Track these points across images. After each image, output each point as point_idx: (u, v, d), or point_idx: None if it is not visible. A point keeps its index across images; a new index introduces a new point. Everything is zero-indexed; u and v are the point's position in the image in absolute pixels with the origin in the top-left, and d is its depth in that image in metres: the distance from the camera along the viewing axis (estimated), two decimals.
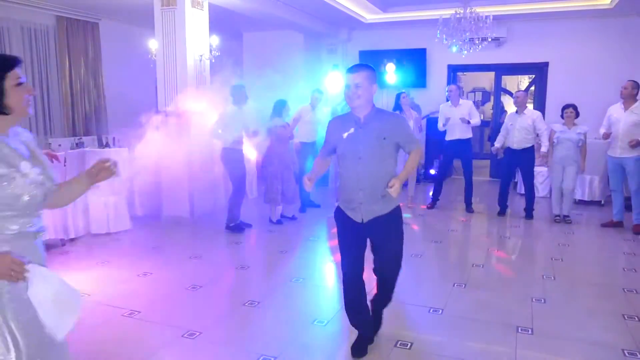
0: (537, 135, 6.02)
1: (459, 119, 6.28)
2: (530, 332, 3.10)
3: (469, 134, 6.43)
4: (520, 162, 6.12)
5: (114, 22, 7.91)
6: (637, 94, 5.38)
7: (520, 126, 5.98)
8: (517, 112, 6.11)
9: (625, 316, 3.34)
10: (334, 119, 2.85)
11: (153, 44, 6.38)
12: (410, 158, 2.69)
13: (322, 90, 6.66)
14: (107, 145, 6.63)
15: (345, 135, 2.61)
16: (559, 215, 5.97)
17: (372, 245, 2.78)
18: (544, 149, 5.91)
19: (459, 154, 6.57)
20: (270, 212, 5.88)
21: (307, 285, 3.96)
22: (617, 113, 5.47)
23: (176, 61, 5.69)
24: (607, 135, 5.54)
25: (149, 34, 6.54)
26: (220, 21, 7.15)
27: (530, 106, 7.07)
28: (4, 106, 1.56)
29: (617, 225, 5.66)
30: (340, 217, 2.75)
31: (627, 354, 2.83)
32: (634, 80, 5.45)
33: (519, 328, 3.14)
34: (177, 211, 5.91)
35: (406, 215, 6.47)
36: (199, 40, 5.82)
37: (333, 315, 3.36)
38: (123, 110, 7.53)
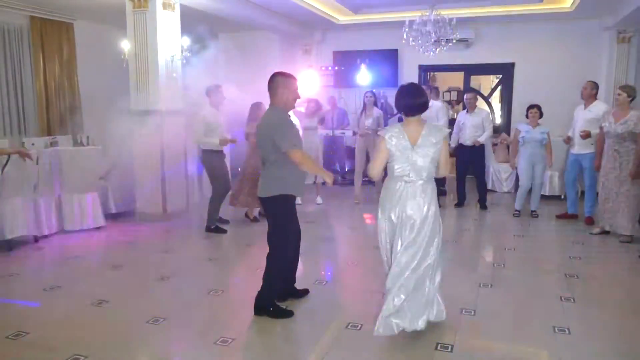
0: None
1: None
2: (472, 313, 3.35)
3: None
4: (472, 156, 6.50)
5: (88, 23, 7.99)
6: (596, 93, 5.70)
7: (471, 124, 6.43)
8: (467, 111, 6.52)
9: (562, 298, 3.62)
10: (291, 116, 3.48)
11: (125, 45, 6.49)
12: None
13: None
14: (81, 144, 6.74)
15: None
16: (518, 211, 6.25)
17: None
18: (481, 139, 6.48)
19: None
20: (247, 210, 6.03)
21: None
22: (579, 112, 5.79)
23: (148, 62, 5.82)
24: (568, 140, 5.85)
25: (123, 35, 6.65)
26: (195, 22, 7.29)
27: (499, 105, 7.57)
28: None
29: (572, 217, 6.00)
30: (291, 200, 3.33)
31: (556, 330, 3.09)
32: (592, 81, 5.78)
33: (463, 310, 3.39)
34: (151, 208, 6.05)
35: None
36: (170, 41, 5.96)
37: (293, 301, 3.56)
38: (98, 110, 7.61)
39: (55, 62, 7.55)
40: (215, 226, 5.52)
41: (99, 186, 5.88)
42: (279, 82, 3.20)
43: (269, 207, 3.31)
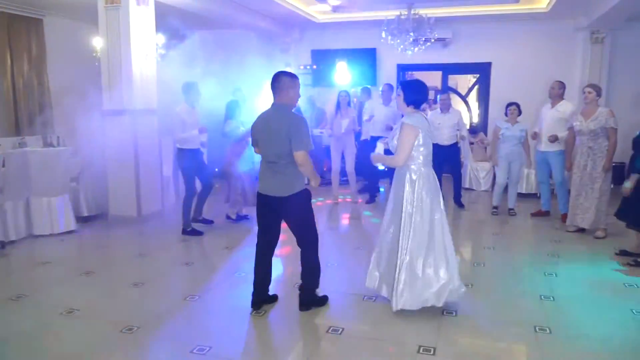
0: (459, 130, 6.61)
1: (385, 122, 6.53)
2: (454, 314, 3.33)
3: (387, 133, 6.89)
4: (448, 156, 6.53)
5: (59, 19, 7.72)
6: (563, 93, 5.79)
7: (448, 125, 6.48)
8: (441, 111, 6.57)
9: (542, 297, 3.63)
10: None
11: (98, 42, 6.29)
12: None
13: (240, 87, 6.50)
14: (51, 144, 6.51)
15: None
16: (496, 207, 6.31)
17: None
18: (464, 133, 6.69)
19: None
20: (229, 210, 5.92)
21: (249, 279, 4.03)
22: (545, 111, 5.88)
23: (121, 60, 5.64)
24: (535, 135, 5.93)
25: (95, 31, 6.43)
26: (170, 19, 7.11)
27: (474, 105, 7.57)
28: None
29: (545, 214, 6.08)
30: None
31: (537, 330, 3.10)
32: (560, 81, 5.86)
33: (444, 311, 3.36)
34: (124, 210, 5.87)
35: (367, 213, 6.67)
36: (144, 38, 5.79)
37: (272, 306, 3.48)
38: (69, 109, 7.36)
39: (23, 59, 7.26)
40: (191, 229, 5.38)
41: (70, 188, 5.66)
42: (286, 82, 3.21)
43: (294, 204, 3.25)
